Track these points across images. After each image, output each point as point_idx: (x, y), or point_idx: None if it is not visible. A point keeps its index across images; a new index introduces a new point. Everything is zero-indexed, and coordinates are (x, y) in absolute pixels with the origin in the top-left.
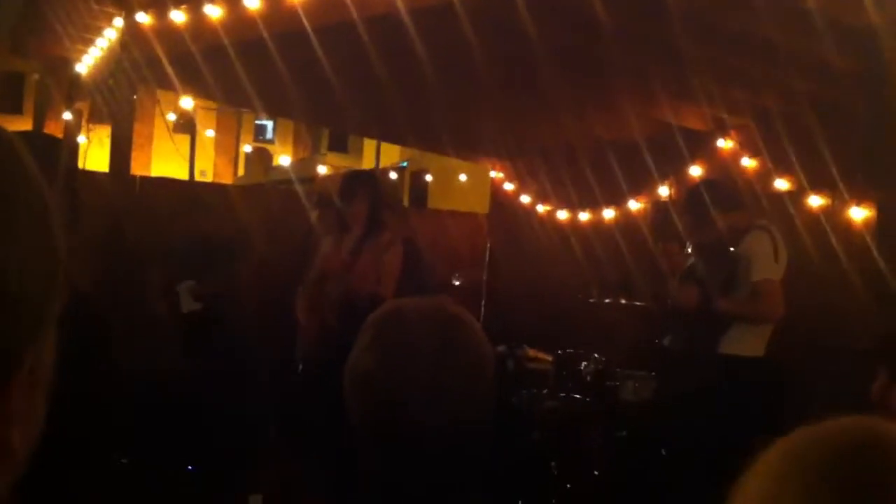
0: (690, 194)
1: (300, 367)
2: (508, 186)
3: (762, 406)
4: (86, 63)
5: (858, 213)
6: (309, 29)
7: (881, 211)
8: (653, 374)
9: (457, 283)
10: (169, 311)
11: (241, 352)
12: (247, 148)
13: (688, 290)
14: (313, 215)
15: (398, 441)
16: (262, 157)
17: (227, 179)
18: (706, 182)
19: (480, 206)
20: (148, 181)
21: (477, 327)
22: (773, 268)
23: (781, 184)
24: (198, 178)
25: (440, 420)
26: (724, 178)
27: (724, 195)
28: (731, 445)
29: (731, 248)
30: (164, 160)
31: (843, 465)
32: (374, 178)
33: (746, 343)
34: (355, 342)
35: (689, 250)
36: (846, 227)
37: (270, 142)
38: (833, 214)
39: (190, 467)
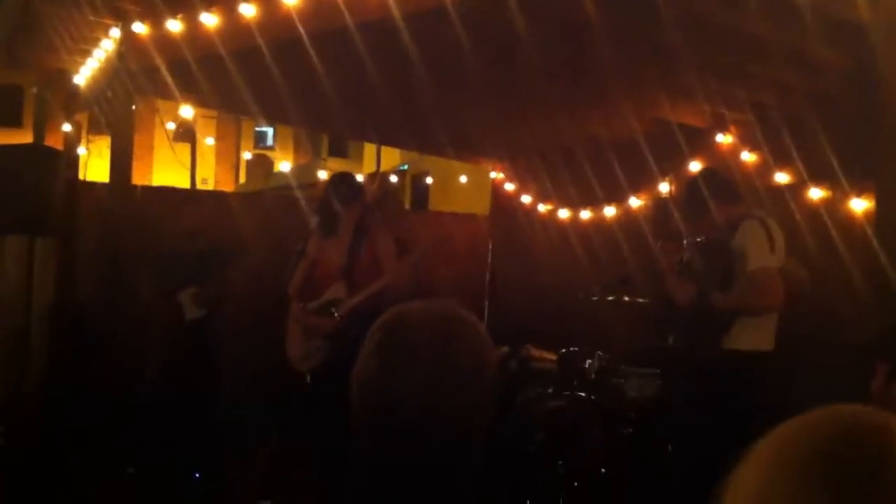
0: (689, 185)
1: (307, 377)
2: (509, 187)
3: (764, 401)
4: (84, 74)
5: (859, 205)
6: (304, 35)
7: (879, 203)
8: (657, 370)
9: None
10: (173, 319)
11: (245, 358)
12: (247, 155)
13: (684, 286)
14: (313, 221)
15: (399, 445)
16: (262, 164)
17: (228, 187)
18: (705, 172)
19: (481, 207)
20: (148, 190)
21: (481, 330)
22: (768, 256)
23: (781, 177)
24: (199, 186)
25: (440, 424)
26: (722, 170)
27: (722, 186)
28: (735, 441)
29: (727, 242)
30: (166, 169)
31: (832, 452)
32: (361, 183)
33: (749, 338)
34: (362, 347)
35: (685, 244)
36: (847, 219)
37: (271, 148)
38: (833, 206)
39: (197, 474)
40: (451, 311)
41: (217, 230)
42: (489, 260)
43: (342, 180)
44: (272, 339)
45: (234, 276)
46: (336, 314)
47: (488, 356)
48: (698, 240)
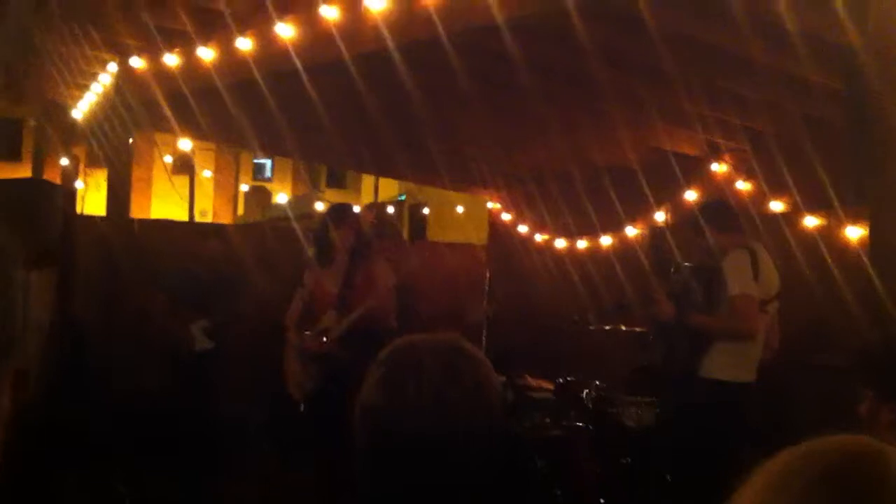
0: (690, 220)
1: (302, 406)
2: (506, 216)
3: (754, 428)
4: (81, 108)
5: (854, 232)
6: (301, 68)
7: (873, 227)
8: (654, 399)
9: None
10: (175, 349)
11: (246, 387)
12: (245, 187)
13: (666, 305)
14: (310, 251)
15: (405, 475)
16: (260, 196)
17: (226, 219)
18: (703, 205)
19: (478, 236)
20: (146, 223)
21: (486, 364)
22: (749, 284)
23: (776, 205)
24: (198, 218)
25: (447, 454)
26: (721, 201)
27: (718, 216)
28: (727, 468)
29: (715, 269)
30: (164, 202)
31: (834, 480)
32: (356, 213)
33: (729, 368)
34: (366, 376)
35: (675, 268)
36: (842, 247)
37: (269, 180)
38: (829, 233)
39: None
40: (455, 341)
41: (218, 262)
42: (486, 289)
43: (335, 208)
44: (272, 369)
45: (242, 309)
46: (324, 339)
47: (493, 385)
48: (689, 265)
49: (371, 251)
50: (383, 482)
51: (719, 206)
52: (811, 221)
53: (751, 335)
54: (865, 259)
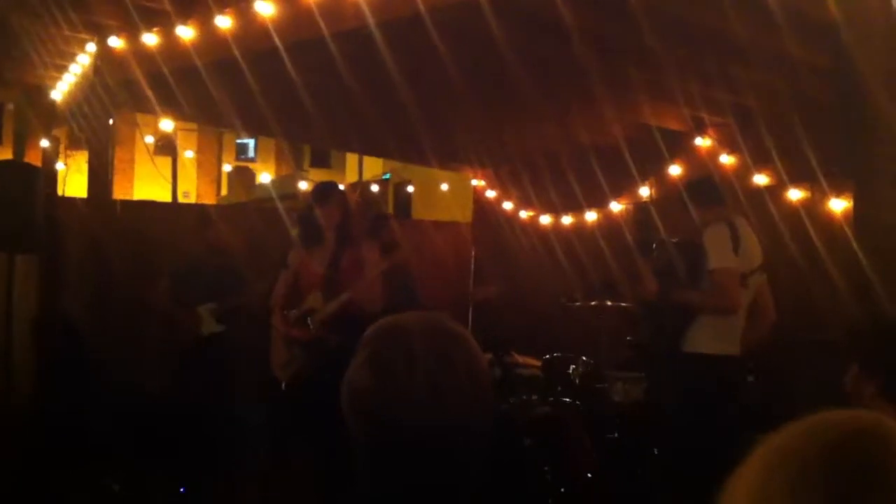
0: (676, 197)
1: (283, 384)
2: (490, 194)
3: (742, 401)
4: (61, 90)
5: (838, 205)
6: (281, 46)
7: (857, 202)
8: (642, 374)
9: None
10: (177, 334)
11: (244, 372)
12: (228, 167)
13: (650, 282)
14: (294, 232)
15: (396, 456)
16: (243, 176)
17: (209, 200)
18: (688, 182)
19: (464, 215)
20: (128, 205)
21: (472, 341)
22: (729, 257)
23: (760, 179)
24: (181, 199)
25: (438, 434)
26: (706, 177)
27: (703, 192)
28: (718, 444)
29: (697, 243)
30: (147, 183)
31: (833, 457)
32: (343, 190)
33: (711, 341)
34: (353, 357)
35: (658, 243)
36: (826, 219)
37: (252, 160)
38: (813, 207)
39: (182, 489)
40: (443, 322)
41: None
42: (472, 268)
43: (319, 187)
44: (258, 352)
45: (251, 295)
46: (310, 325)
47: (483, 367)
48: (674, 240)
49: (359, 231)
50: (379, 470)
51: (703, 182)
52: (795, 194)
53: (732, 309)
54: (849, 232)
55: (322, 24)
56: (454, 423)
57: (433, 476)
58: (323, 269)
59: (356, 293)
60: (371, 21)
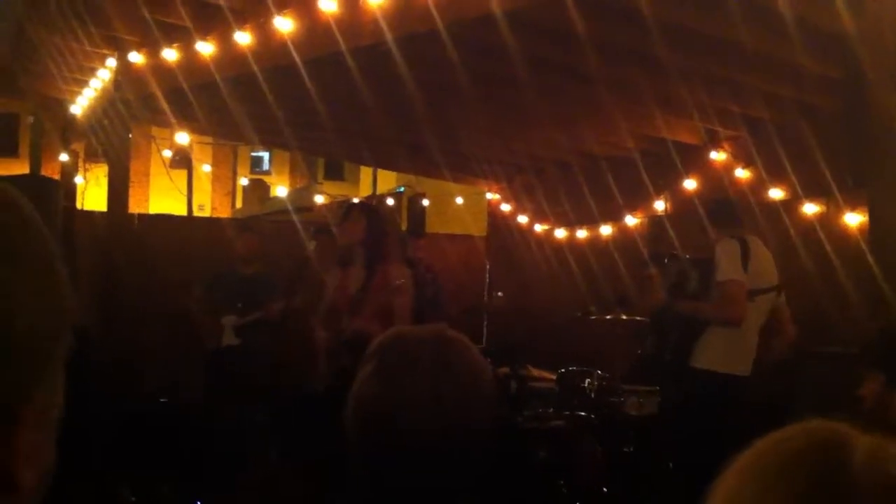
0: (693, 217)
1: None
2: (505, 207)
3: (750, 419)
4: (80, 104)
5: (853, 219)
6: (299, 61)
7: (872, 215)
8: (656, 388)
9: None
10: (211, 341)
11: (260, 384)
12: (243, 181)
13: (657, 292)
14: (311, 245)
15: (398, 463)
16: (258, 189)
17: (224, 213)
18: (707, 202)
19: (478, 228)
20: (145, 218)
21: (474, 350)
22: (738, 272)
23: (776, 192)
24: (196, 212)
25: (441, 441)
26: (724, 197)
27: (721, 212)
28: (721, 459)
29: (708, 259)
30: (163, 196)
31: (798, 467)
32: (370, 205)
33: (722, 358)
34: (358, 373)
35: (670, 259)
36: (841, 232)
37: (267, 173)
38: (828, 220)
39: (199, 501)
40: (444, 331)
41: (218, 257)
42: (487, 281)
43: (344, 206)
44: (291, 369)
45: (276, 309)
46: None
47: (486, 375)
48: (688, 256)
49: (393, 251)
50: (380, 478)
51: (723, 202)
52: (811, 208)
53: (738, 321)
54: (864, 244)
55: (340, 40)
56: (454, 428)
57: (433, 480)
58: (354, 289)
59: (367, 322)
60: (389, 37)
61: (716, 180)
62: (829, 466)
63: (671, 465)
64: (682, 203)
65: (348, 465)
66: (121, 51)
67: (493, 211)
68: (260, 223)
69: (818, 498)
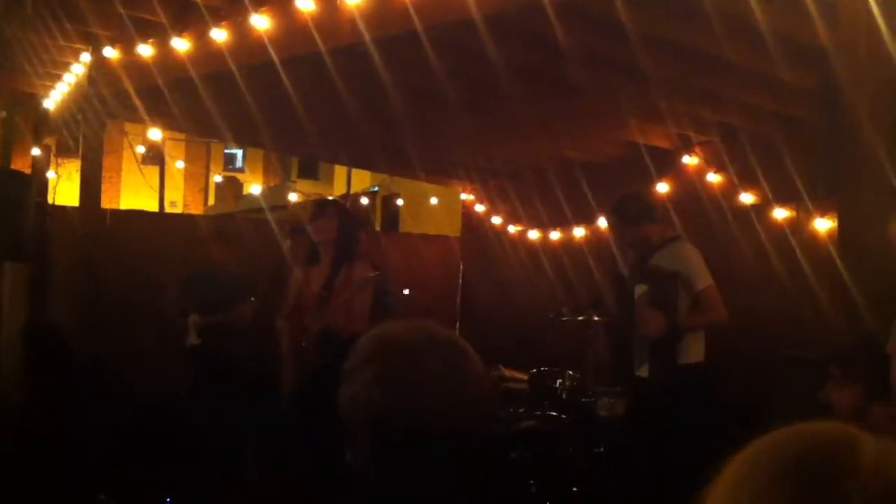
0: (610, 207)
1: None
2: (479, 208)
3: (725, 409)
4: (53, 98)
5: (822, 224)
6: (276, 60)
7: (841, 221)
8: (625, 389)
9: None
10: (171, 344)
11: (233, 384)
12: (217, 178)
13: (654, 317)
14: (285, 244)
15: (405, 468)
16: (232, 187)
17: (197, 210)
18: (623, 196)
19: (452, 228)
20: (118, 214)
21: (471, 349)
22: (708, 274)
23: (747, 197)
24: (168, 209)
25: (450, 444)
26: (642, 193)
27: (637, 208)
28: (700, 455)
29: (663, 267)
30: (134, 192)
31: (804, 468)
32: (343, 205)
33: (696, 350)
34: (350, 375)
35: (630, 273)
36: (811, 238)
37: (240, 170)
38: (798, 226)
39: (168, 499)
40: (439, 332)
41: (191, 254)
42: (460, 281)
43: (316, 202)
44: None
45: (244, 312)
46: (303, 343)
47: (487, 374)
48: (645, 269)
49: (360, 250)
50: (383, 481)
51: (638, 198)
52: (781, 213)
53: (726, 321)
54: (833, 250)
55: (318, 39)
56: (464, 430)
57: (438, 483)
58: (318, 288)
59: (333, 316)
60: (367, 37)
61: (688, 184)
62: (836, 468)
63: (641, 466)
64: None
65: (342, 469)
66: (95, 46)
67: (467, 211)
68: (235, 221)
69: (824, 500)
